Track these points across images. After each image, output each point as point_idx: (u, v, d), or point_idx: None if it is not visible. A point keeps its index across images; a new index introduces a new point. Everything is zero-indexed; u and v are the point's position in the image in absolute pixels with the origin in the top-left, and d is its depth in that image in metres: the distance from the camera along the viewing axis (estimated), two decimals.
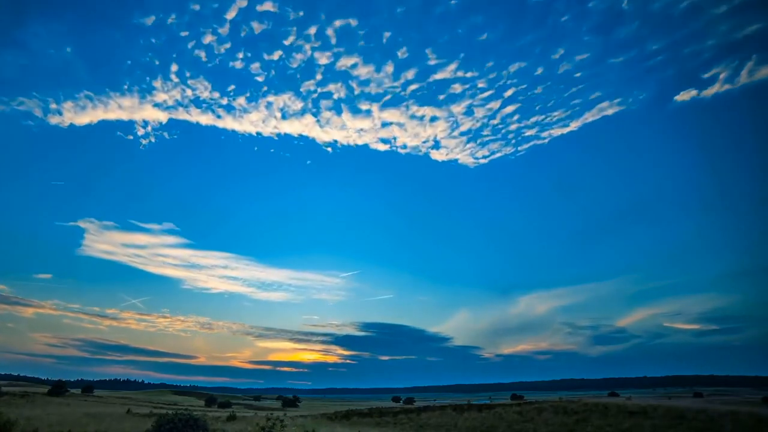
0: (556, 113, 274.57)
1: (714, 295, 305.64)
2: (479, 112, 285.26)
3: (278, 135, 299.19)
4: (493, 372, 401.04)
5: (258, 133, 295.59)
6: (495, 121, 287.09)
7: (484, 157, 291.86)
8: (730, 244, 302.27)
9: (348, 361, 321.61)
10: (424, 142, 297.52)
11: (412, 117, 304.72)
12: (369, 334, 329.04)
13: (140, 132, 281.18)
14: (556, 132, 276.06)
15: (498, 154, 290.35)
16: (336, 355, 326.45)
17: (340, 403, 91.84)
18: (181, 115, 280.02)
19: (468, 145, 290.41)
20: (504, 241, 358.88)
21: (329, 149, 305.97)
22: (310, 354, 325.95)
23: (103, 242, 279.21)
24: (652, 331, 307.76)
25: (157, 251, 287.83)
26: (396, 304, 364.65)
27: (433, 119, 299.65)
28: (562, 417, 28.70)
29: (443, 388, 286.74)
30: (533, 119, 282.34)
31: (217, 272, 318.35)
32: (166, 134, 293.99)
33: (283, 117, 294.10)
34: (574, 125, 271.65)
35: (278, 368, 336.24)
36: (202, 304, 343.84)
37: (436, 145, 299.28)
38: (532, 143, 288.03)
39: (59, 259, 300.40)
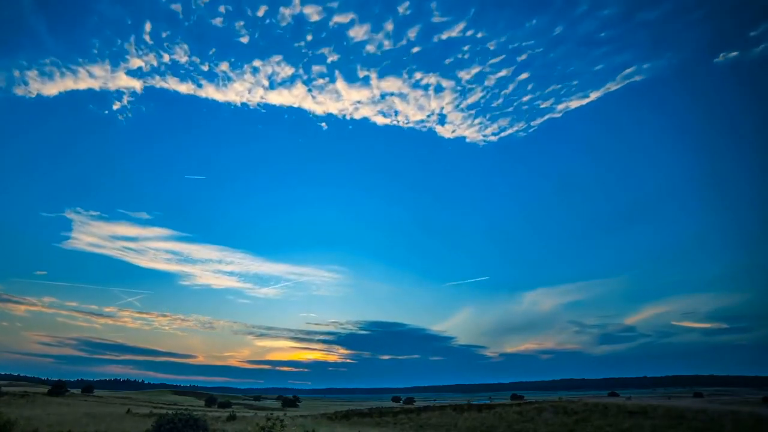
0: (575, 81, 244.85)
1: (724, 293, 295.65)
2: (489, 81, 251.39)
3: (265, 106, 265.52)
4: (496, 372, 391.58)
5: (243, 104, 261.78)
6: (507, 91, 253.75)
7: (494, 134, 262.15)
8: (742, 240, 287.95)
9: (348, 360, 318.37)
10: (428, 115, 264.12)
11: (415, 86, 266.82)
12: (369, 333, 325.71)
13: (116, 106, 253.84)
14: (574, 104, 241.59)
15: (509, 131, 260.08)
16: (336, 354, 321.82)
17: (340, 403, 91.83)
18: (158, 83, 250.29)
19: (476, 120, 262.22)
20: (507, 234, 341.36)
21: (323, 125, 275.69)
22: (309, 353, 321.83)
23: (92, 234, 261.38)
24: (660, 330, 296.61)
25: (148, 244, 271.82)
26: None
27: (439, 89, 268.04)
28: (562, 417, 28.70)
29: (443, 388, 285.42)
30: (549, 89, 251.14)
31: (212, 267, 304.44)
32: (143, 108, 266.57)
33: (271, 86, 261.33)
34: (594, 95, 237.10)
35: (278, 368, 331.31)
36: (199, 302, 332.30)
37: (442, 120, 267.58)
38: (546, 117, 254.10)
39: (50, 253, 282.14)
